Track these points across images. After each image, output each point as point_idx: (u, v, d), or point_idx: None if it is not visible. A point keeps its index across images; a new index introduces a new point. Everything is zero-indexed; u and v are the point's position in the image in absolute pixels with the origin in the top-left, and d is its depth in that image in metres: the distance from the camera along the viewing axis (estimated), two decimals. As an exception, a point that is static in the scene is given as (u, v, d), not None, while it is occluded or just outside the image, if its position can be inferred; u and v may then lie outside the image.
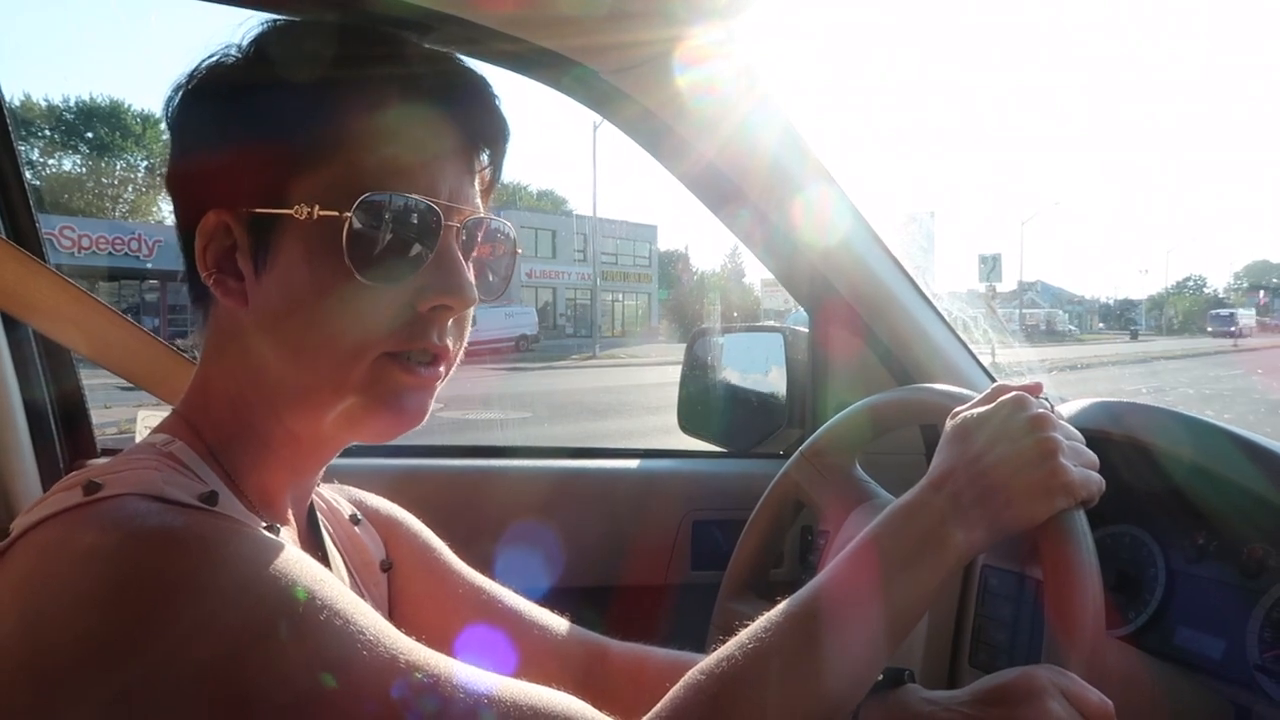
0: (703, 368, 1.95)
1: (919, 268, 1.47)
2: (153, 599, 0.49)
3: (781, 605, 0.67)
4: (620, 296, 46.17)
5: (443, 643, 0.80)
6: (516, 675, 0.67)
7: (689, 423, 1.89)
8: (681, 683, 0.62)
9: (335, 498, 0.91)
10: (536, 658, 0.89)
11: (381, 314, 0.66)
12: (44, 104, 37.63)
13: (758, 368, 1.80)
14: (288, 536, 0.68)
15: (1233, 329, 58.25)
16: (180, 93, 0.70)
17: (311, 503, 0.80)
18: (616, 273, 45.29)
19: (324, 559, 0.78)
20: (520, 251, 0.79)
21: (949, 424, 0.81)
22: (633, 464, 1.63)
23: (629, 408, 12.82)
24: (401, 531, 0.93)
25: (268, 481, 0.71)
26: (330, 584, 0.56)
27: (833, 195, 1.35)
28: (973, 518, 0.72)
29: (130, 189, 38.37)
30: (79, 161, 38.23)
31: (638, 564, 1.52)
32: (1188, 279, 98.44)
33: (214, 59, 0.69)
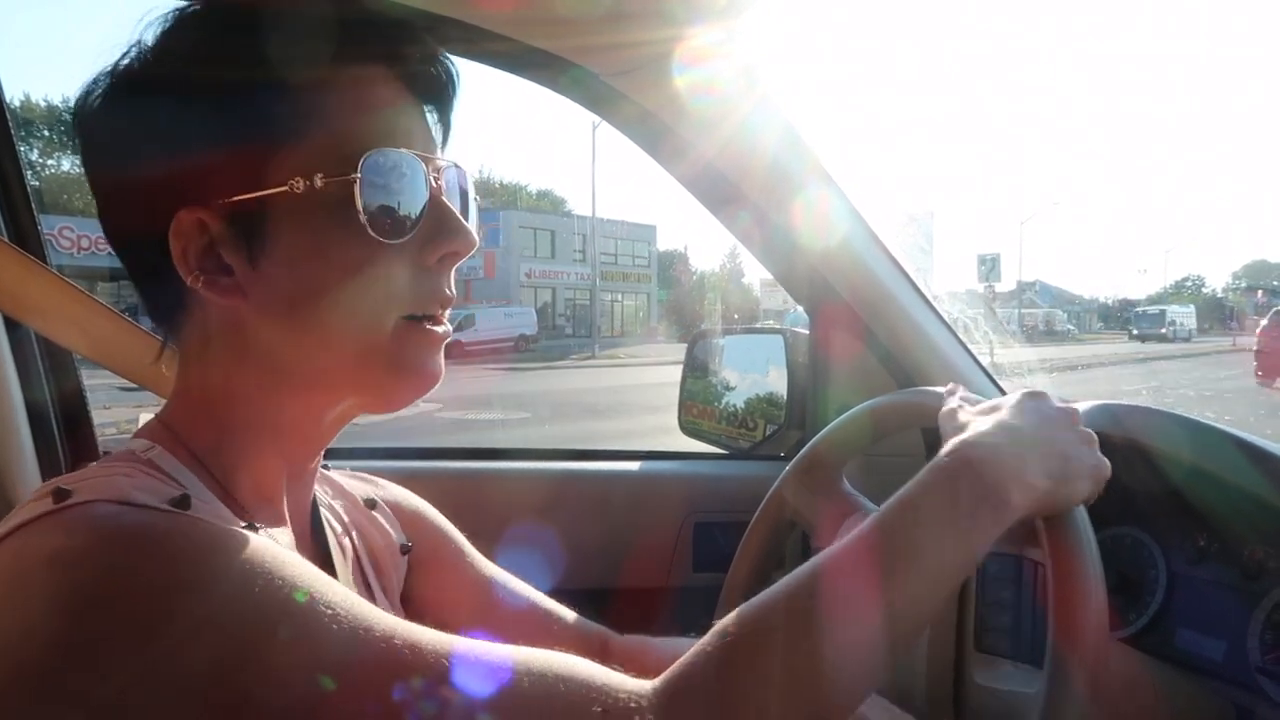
0: (703, 370, 1.95)
1: (918, 269, 1.47)
2: (117, 600, 0.49)
3: (809, 563, 0.63)
4: (619, 297, 46.17)
5: (454, 629, 0.81)
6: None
7: (690, 425, 1.89)
8: (698, 644, 0.59)
9: (350, 483, 0.91)
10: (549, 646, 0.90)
11: (397, 275, 0.66)
12: (43, 104, 37.61)
13: (758, 369, 1.80)
14: (282, 537, 0.67)
15: (1163, 329, 49.00)
16: (107, 90, 0.66)
17: (314, 495, 0.79)
18: (616, 273, 45.29)
19: (324, 551, 0.77)
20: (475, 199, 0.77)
21: (964, 415, 0.82)
22: (633, 466, 1.63)
23: (629, 407, 12.81)
24: (422, 522, 0.94)
25: (261, 477, 0.69)
26: (306, 579, 0.54)
27: (832, 196, 1.35)
28: (1030, 482, 0.70)
29: (129, 189, 38.23)
30: (78, 162, 38.09)
31: (639, 566, 1.52)
32: (1186, 279, 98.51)
33: (134, 57, 0.66)
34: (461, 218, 0.69)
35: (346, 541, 0.82)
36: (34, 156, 34.85)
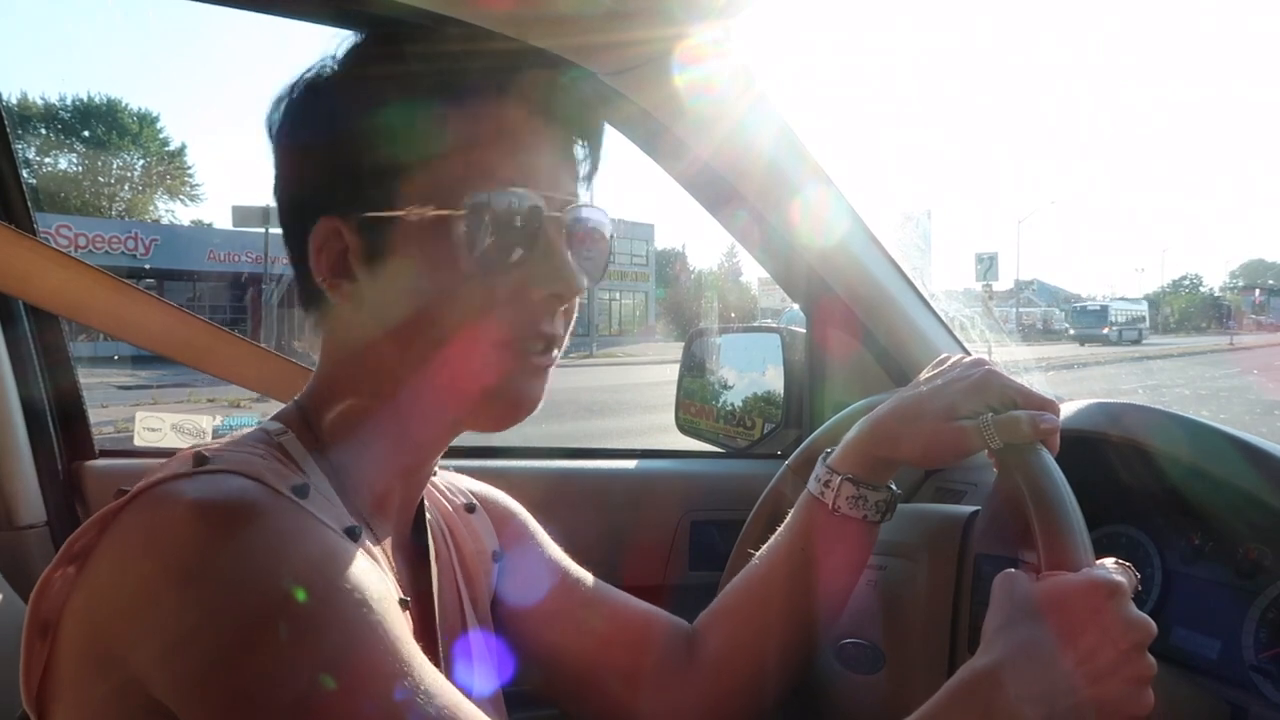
0: (700, 368, 1.95)
1: (916, 268, 1.47)
2: (214, 568, 0.54)
3: None
4: (617, 295, 46.11)
5: (541, 629, 0.91)
6: (616, 661, 0.83)
7: (686, 423, 1.89)
8: None
9: (452, 485, 0.94)
10: (634, 642, 0.93)
11: (494, 305, 0.68)
12: (41, 103, 37.49)
13: (755, 368, 1.80)
14: (370, 540, 0.69)
15: (1105, 329, 41.93)
16: (283, 105, 0.73)
17: (422, 499, 0.83)
18: (613, 271, 45.00)
19: (423, 554, 0.80)
20: (612, 236, 0.80)
21: (1037, 592, 0.73)
22: (630, 464, 1.64)
23: (626, 406, 12.82)
24: (514, 523, 0.97)
25: (375, 478, 0.73)
26: (370, 599, 0.57)
27: (829, 195, 1.35)
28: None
29: (127, 187, 38.25)
30: (75, 160, 38.09)
31: (636, 564, 1.52)
32: (1183, 277, 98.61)
33: (313, 73, 0.72)
34: (570, 262, 0.70)
35: (444, 548, 0.85)
36: (31, 154, 34.77)
